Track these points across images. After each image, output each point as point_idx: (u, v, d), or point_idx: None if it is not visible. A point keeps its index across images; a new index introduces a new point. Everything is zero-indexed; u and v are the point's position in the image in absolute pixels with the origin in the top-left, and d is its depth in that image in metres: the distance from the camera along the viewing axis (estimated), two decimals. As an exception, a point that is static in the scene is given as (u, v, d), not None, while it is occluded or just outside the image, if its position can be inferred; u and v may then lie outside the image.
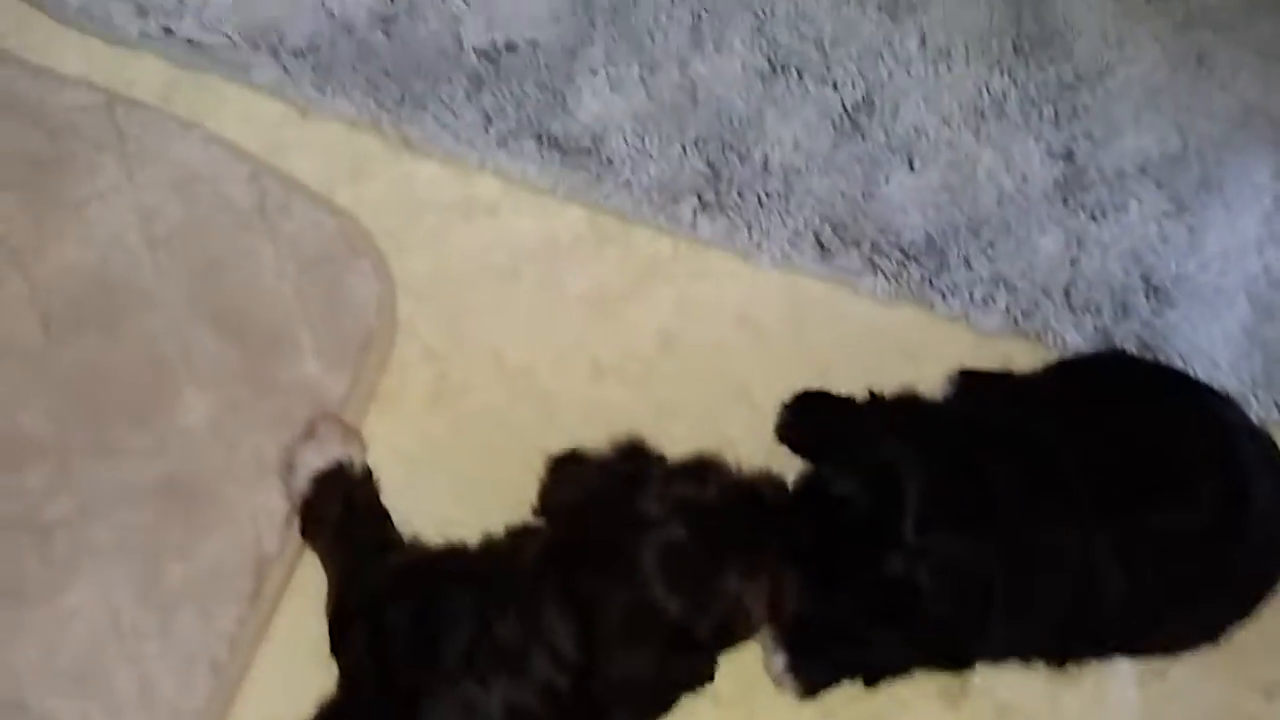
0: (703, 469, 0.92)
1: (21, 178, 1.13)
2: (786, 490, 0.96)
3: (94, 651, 0.99)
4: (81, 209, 1.13)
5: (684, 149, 1.21)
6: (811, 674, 1.01)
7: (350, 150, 1.19)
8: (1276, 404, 1.19)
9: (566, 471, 0.96)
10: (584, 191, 1.19)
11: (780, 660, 1.01)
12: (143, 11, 1.20)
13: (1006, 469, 0.93)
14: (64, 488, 1.03)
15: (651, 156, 1.20)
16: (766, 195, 1.20)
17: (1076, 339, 1.18)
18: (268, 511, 1.04)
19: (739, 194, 1.19)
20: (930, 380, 1.08)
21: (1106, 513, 0.93)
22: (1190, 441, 0.99)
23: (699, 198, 1.19)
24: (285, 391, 1.08)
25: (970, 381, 1.08)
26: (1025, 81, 1.28)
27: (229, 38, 1.20)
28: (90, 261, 1.11)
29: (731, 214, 1.19)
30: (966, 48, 1.29)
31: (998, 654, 1.00)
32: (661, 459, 0.95)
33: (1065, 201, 1.23)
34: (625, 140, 1.20)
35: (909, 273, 1.18)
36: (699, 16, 1.27)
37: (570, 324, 1.15)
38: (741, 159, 1.21)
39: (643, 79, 1.23)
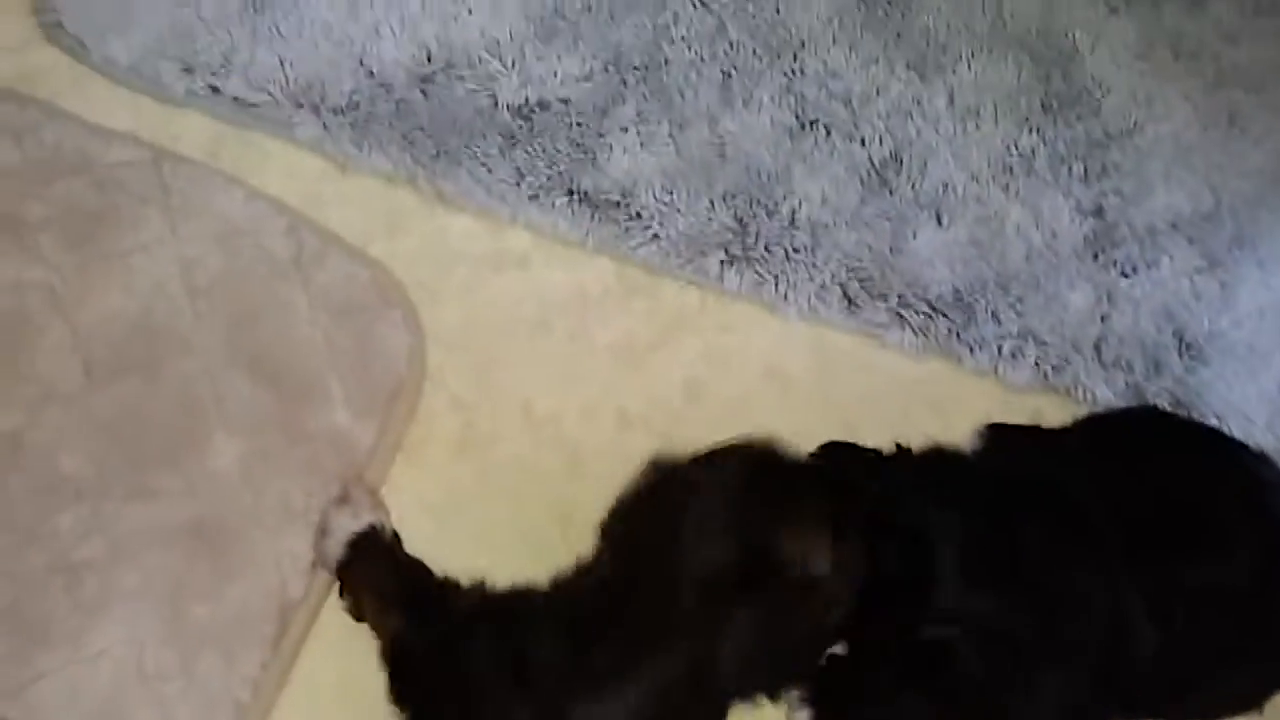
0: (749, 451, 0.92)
1: (70, 228, 1.17)
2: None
3: (118, 692, 0.99)
4: (126, 259, 1.16)
5: (712, 203, 1.22)
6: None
7: (386, 204, 1.22)
8: (1316, 463, 1.17)
9: (622, 504, 0.96)
10: (613, 244, 1.20)
11: (804, 718, 0.99)
12: (190, 70, 1.25)
13: (1038, 525, 0.92)
14: (96, 530, 1.05)
15: (680, 210, 1.22)
16: (794, 249, 1.21)
17: (1108, 395, 1.17)
18: (293, 556, 1.05)
19: (766, 247, 1.21)
20: (958, 434, 1.07)
21: (1139, 567, 0.91)
22: (1225, 499, 0.97)
23: (726, 251, 1.20)
24: (314, 439, 1.10)
25: (1000, 435, 1.07)
26: (1054, 139, 1.29)
27: (273, 96, 1.24)
28: (132, 309, 1.14)
29: (758, 267, 1.20)
30: (995, 106, 1.31)
31: (1030, 714, 0.98)
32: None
33: (1095, 257, 1.23)
34: (654, 195, 1.22)
35: (936, 326, 1.18)
36: (729, 75, 1.30)
37: (598, 374, 1.16)
38: (769, 213, 1.22)
39: (672, 135, 1.26)
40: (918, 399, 1.16)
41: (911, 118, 1.29)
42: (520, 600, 0.94)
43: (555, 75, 1.28)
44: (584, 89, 1.28)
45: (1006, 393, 1.18)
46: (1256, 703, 0.99)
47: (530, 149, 1.24)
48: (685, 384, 1.16)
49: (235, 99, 1.24)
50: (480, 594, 0.96)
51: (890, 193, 1.25)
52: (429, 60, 1.28)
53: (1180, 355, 1.20)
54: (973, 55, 1.34)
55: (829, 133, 1.27)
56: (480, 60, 1.28)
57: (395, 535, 1.03)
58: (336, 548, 1.02)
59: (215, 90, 1.25)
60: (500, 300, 1.19)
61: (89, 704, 0.99)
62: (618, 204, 1.22)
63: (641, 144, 1.25)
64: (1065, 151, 1.28)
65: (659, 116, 1.27)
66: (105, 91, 1.25)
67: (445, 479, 1.11)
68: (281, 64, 1.26)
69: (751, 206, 1.23)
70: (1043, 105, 1.31)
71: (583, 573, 0.94)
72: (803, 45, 1.32)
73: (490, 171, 1.22)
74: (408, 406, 1.13)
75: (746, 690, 0.89)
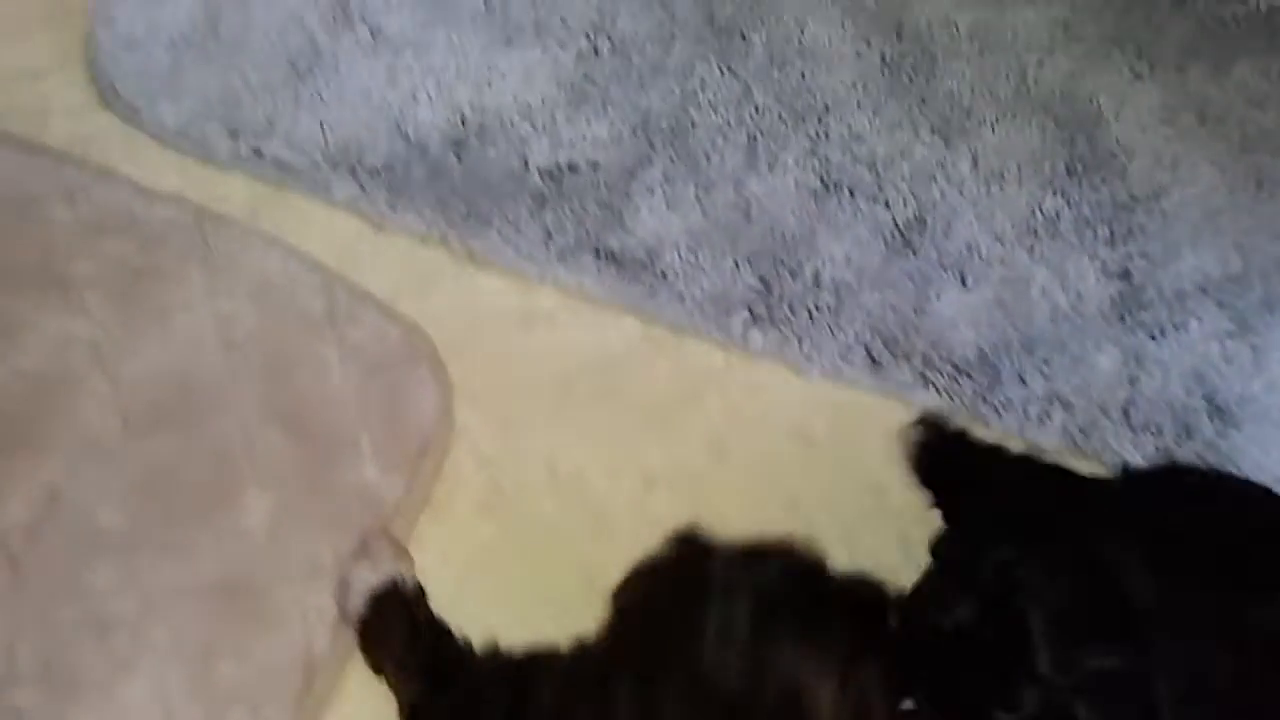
0: (778, 553, 0.90)
1: (115, 285, 1.21)
2: (882, 594, 0.92)
3: (144, 746, 1.01)
4: (166, 315, 1.19)
5: (736, 264, 1.24)
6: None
7: (419, 263, 1.25)
8: (1355, 531, 1.15)
9: (639, 572, 0.95)
10: (639, 304, 1.22)
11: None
12: (235, 134, 1.29)
13: (1136, 570, 0.87)
14: (129, 584, 1.07)
15: (704, 271, 1.23)
16: (817, 309, 1.22)
17: (1137, 458, 1.16)
18: (319, 612, 1.06)
19: (790, 307, 1.22)
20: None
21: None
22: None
23: (750, 311, 1.21)
24: (342, 494, 1.11)
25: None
26: (1079, 201, 1.30)
27: (312, 158, 1.29)
28: (170, 364, 1.17)
29: (783, 327, 1.21)
30: (1019, 169, 1.32)
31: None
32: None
33: (1122, 319, 1.23)
34: (679, 255, 1.24)
35: (961, 387, 1.18)
36: (754, 138, 1.32)
37: (623, 433, 1.17)
38: (793, 274, 1.24)
39: (698, 197, 1.28)
40: (943, 460, 1.16)
41: (935, 180, 1.30)
42: (538, 665, 0.93)
43: (585, 138, 1.31)
44: (612, 152, 1.30)
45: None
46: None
47: (559, 210, 1.26)
48: (710, 444, 1.17)
49: (277, 161, 1.28)
50: (498, 658, 0.96)
51: (914, 254, 1.26)
52: (463, 124, 1.32)
53: (1211, 419, 1.18)
54: (996, 120, 1.35)
55: (853, 195, 1.29)
56: (512, 124, 1.32)
57: (419, 588, 1.04)
58: (356, 601, 1.02)
59: (258, 153, 1.29)
60: (527, 358, 1.21)
61: (116, 757, 1.00)
62: (644, 264, 1.24)
63: (668, 205, 1.27)
64: (1090, 214, 1.29)
65: (685, 178, 1.29)
66: (155, 154, 1.31)
67: (470, 536, 1.12)
68: (322, 128, 1.30)
69: (776, 267, 1.24)
70: (1067, 169, 1.32)
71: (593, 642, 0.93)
72: (827, 109, 1.35)
73: (519, 231, 1.25)
74: (435, 463, 1.14)
75: None
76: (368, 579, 1.03)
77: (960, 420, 1.17)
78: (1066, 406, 1.18)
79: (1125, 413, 1.18)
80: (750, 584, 0.85)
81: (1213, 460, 1.16)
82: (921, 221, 1.28)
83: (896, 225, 1.27)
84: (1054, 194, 1.30)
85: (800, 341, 1.20)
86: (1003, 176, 1.31)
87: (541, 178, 1.29)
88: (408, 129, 1.31)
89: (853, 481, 1.13)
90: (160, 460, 1.12)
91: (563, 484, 1.14)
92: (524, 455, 1.15)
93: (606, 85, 1.35)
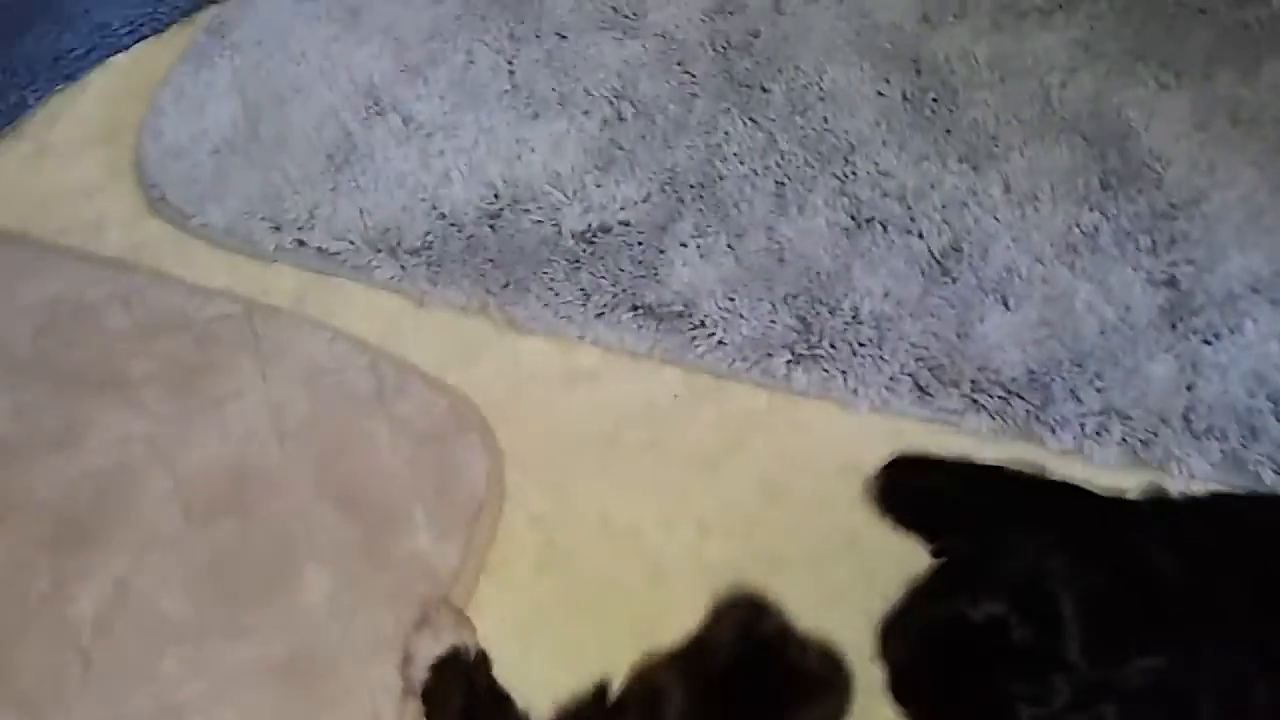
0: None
1: (171, 381, 1.25)
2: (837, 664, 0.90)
3: (214, 830, 1.01)
4: (221, 407, 1.23)
5: (774, 306, 1.24)
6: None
7: (461, 333, 1.28)
8: None
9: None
10: (679, 353, 1.22)
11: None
12: (278, 228, 1.34)
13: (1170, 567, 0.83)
14: (196, 671, 1.08)
15: (742, 316, 1.23)
16: (860, 344, 1.21)
17: (1204, 466, 1.11)
18: (384, 685, 1.05)
19: (831, 344, 1.21)
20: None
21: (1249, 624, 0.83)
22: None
23: (792, 351, 1.21)
24: (400, 565, 1.12)
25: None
26: (1116, 214, 1.28)
27: (354, 243, 1.33)
28: (227, 454, 1.20)
29: (825, 364, 1.20)
30: (1052, 188, 1.31)
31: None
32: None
33: (1174, 327, 1.20)
34: (716, 303, 1.25)
35: (1013, 409, 1.15)
36: (782, 184, 1.33)
37: (673, 483, 1.16)
38: (832, 311, 1.23)
39: (730, 246, 1.29)
40: (1002, 485, 1.13)
41: (968, 207, 1.30)
42: None
43: (615, 200, 1.34)
44: (643, 210, 1.33)
45: (1096, 471, 1.13)
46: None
47: (594, 270, 1.28)
48: (761, 486, 1.15)
49: (319, 249, 1.33)
50: None
51: (953, 281, 1.24)
52: (496, 198, 1.35)
53: (1278, 419, 1.14)
54: (1025, 143, 1.35)
55: (885, 229, 1.29)
56: (543, 193, 1.35)
57: (483, 655, 1.03)
58: (420, 672, 1.02)
59: (301, 243, 1.33)
60: (573, 416, 1.21)
61: (190, 843, 1.00)
62: (681, 314, 1.24)
63: (701, 256, 1.28)
64: (1130, 226, 1.27)
65: (717, 229, 1.30)
66: (203, 253, 1.36)
67: (528, 597, 1.11)
68: (361, 214, 1.35)
69: (813, 306, 1.24)
70: (1101, 183, 1.30)
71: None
72: (852, 149, 1.36)
73: (557, 295, 1.27)
74: (489, 527, 1.14)
75: None
76: (431, 649, 1.03)
77: (1009, 441, 1.14)
78: (1124, 419, 1.14)
79: (1186, 420, 1.14)
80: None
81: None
82: (957, 249, 1.27)
83: (932, 254, 1.26)
84: (1090, 209, 1.29)
85: (845, 377, 1.19)
86: (1036, 197, 1.30)
87: (576, 241, 1.31)
88: (443, 207, 1.35)
89: (911, 513, 1.10)
90: (221, 546, 1.14)
91: (617, 537, 1.13)
92: (577, 512, 1.15)
93: (633, 147, 1.38)
